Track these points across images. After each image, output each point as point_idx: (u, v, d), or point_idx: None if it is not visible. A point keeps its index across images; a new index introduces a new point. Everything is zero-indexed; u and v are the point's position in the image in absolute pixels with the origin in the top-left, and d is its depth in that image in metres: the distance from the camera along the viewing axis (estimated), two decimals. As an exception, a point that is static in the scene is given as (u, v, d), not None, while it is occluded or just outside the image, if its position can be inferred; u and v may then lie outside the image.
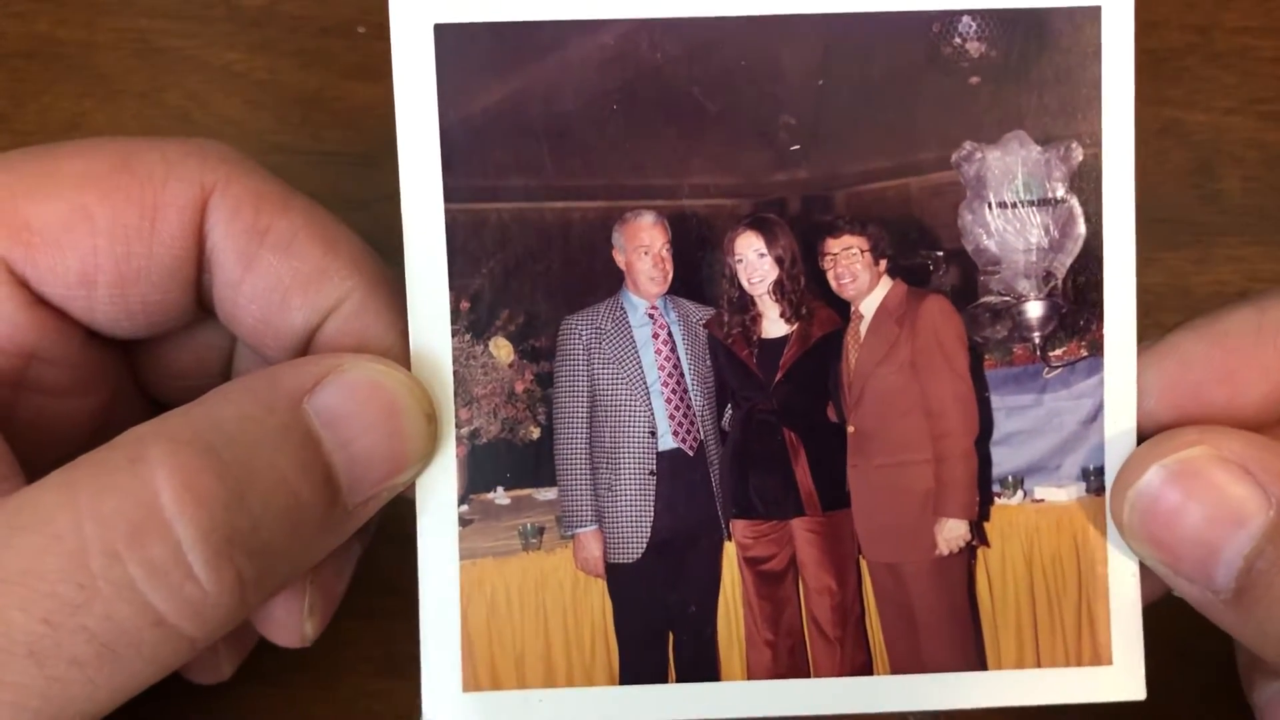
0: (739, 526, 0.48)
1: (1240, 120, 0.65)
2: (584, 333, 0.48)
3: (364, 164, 0.64)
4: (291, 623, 0.48)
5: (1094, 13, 0.45)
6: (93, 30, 0.66)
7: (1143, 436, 0.46)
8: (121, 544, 0.37)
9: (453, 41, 0.45)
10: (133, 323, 0.45)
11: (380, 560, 0.51)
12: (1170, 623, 0.48)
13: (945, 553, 0.48)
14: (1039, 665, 0.47)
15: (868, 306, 0.49)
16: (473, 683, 0.47)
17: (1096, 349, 0.46)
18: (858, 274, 0.48)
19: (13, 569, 0.37)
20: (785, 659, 0.48)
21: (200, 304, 0.47)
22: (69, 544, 0.37)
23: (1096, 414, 0.46)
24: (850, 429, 0.48)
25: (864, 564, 0.48)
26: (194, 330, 0.50)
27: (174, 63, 0.66)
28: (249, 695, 0.59)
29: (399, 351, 0.46)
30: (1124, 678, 0.47)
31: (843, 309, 0.49)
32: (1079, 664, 0.47)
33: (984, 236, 0.47)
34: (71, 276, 0.43)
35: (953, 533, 0.48)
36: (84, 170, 0.43)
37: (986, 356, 0.47)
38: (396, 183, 0.45)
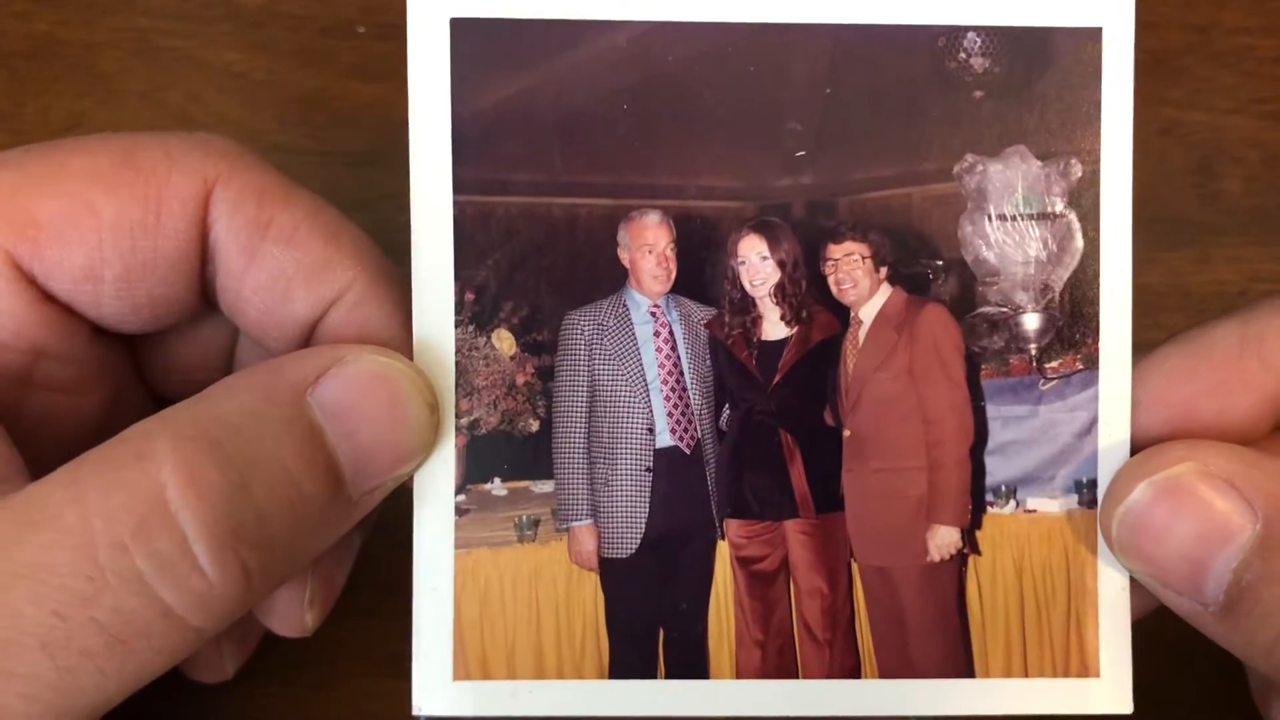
0: (732, 526, 0.49)
1: (1240, 120, 0.65)
2: (586, 328, 0.49)
3: (364, 164, 0.64)
4: (293, 613, 0.48)
5: (1095, 34, 0.46)
6: (93, 30, 0.66)
7: (1135, 450, 0.46)
8: (129, 537, 0.37)
9: (468, 36, 0.45)
10: (139, 317, 0.45)
11: (381, 560, 0.51)
12: (1160, 636, 0.48)
13: (936, 559, 0.48)
14: (1026, 675, 0.47)
15: (867, 312, 0.49)
16: (463, 671, 0.47)
17: (1092, 363, 0.47)
18: (858, 280, 0.48)
19: (23, 563, 0.37)
20: (774, 659, 0.48)
21: (204, 297, 0.47)
22: (77, 538, 0.37)
23: (1090, 427, 0.47)
24: (846, 433, 0.48)
25: (855, 567, 0.48)
26: (197, 324, 0.50)
27: (174, 63, 0.65)
28: (249, 694, 0.59)
29: (401, 342, 0.46)
30: (1111, 690, 0.47)
31: (842, 314, 0.49)
32: (1066, 675, 0.47)
33: (983, 248, 0.47)
34: (78, 271, 0.43)
35: (944, 539, 0.48)
36: (88, 165, 0.43)
37: (983, 366, 0.48)
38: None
